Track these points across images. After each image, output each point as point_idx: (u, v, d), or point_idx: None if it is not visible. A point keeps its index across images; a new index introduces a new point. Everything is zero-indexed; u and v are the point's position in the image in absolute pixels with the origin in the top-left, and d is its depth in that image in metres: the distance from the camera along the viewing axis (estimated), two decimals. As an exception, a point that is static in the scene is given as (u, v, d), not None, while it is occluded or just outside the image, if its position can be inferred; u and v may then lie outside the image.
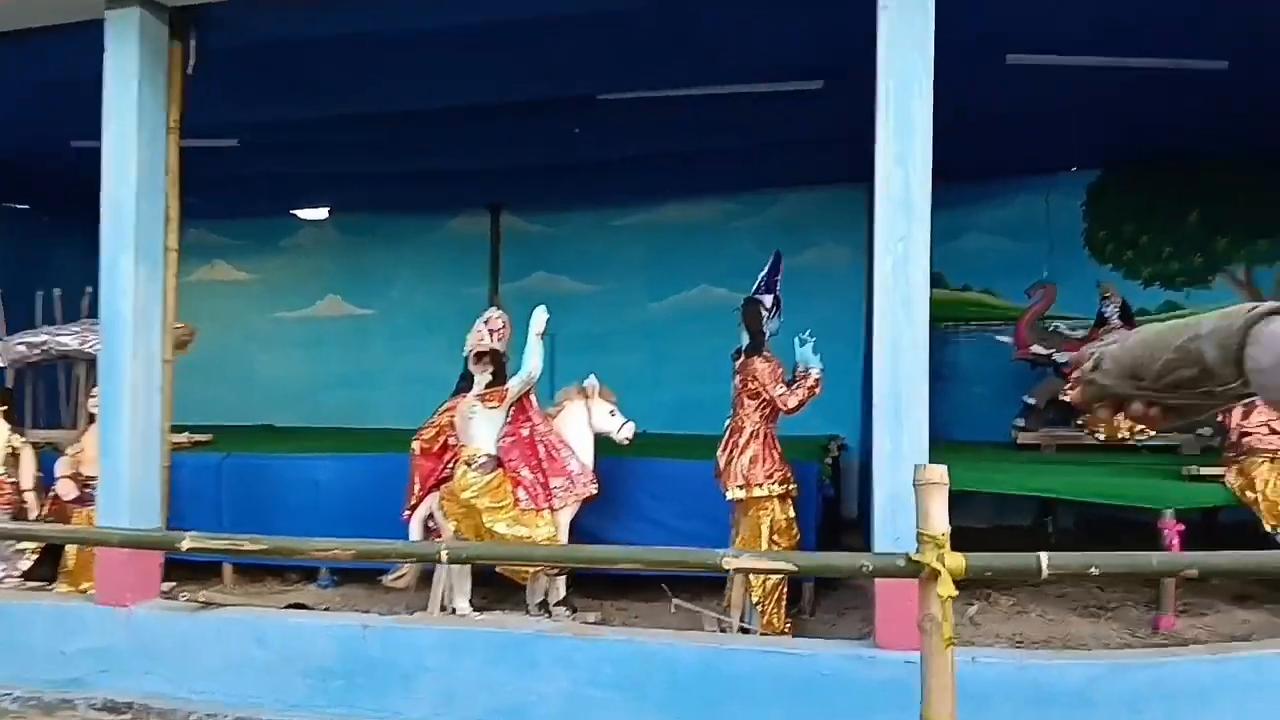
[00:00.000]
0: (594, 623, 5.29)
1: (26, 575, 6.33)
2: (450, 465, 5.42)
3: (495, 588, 5.77)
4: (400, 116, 7.54)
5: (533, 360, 5.27)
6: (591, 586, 5.89)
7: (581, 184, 9.21)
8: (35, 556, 6.39)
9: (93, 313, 7.93)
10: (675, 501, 5.70)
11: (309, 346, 10.28)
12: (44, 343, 7.21)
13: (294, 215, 10.36)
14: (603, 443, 5.56)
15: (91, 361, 7.34)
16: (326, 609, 5.74)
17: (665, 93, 6.76)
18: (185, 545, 3.66)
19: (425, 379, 10.01)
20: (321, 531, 6.32)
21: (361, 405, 10.04)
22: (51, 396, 7.66)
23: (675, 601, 5.07)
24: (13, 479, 6.33)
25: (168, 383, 5.50)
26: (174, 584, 5.88)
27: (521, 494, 5.19)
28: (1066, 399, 5.31)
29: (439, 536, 5.57)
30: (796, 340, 4.96)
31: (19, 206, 10.25)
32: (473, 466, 5.27)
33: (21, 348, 7.31)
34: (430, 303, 10.07)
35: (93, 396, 6.12)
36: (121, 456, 5.18)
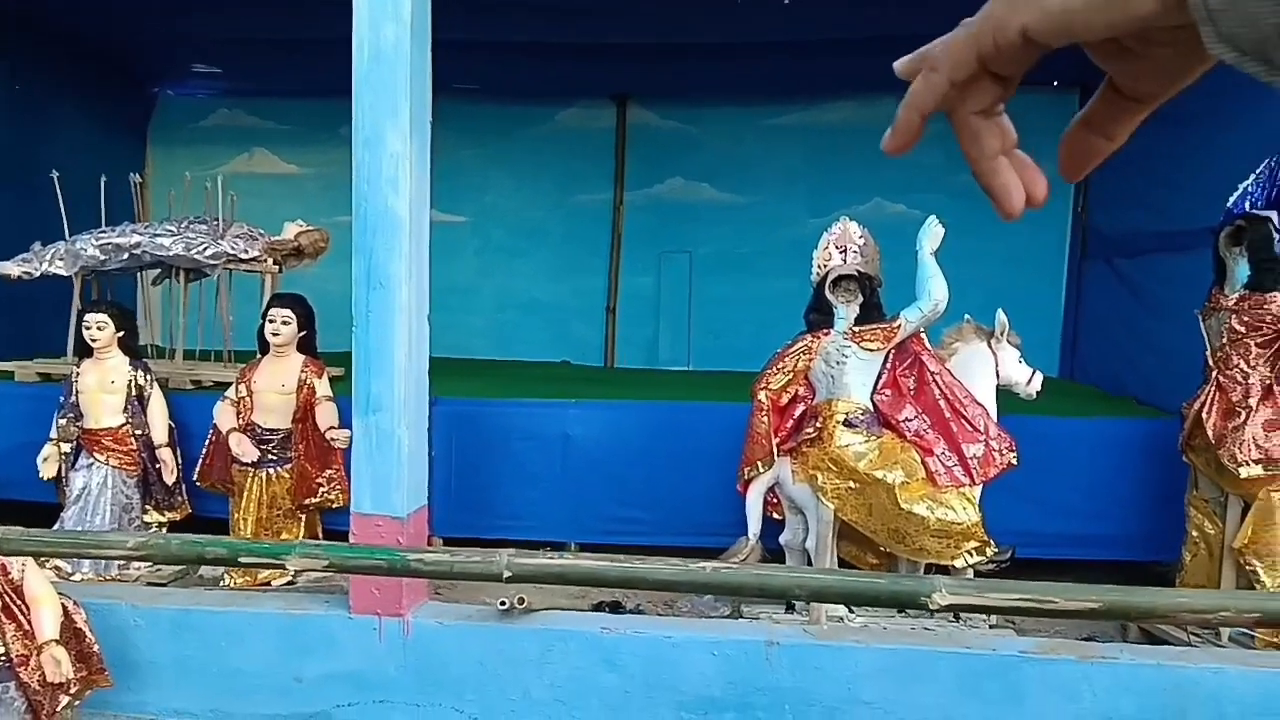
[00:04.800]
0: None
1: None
2: (811, 423, 4.11)
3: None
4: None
5: (937, 287, 3.98)
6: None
7: (730, 72, 7.74)
8: (163, 534, 4.80)
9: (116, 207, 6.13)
10: (1066, 473, 4.55)
11: (379, 258, 8.55)
12: (136, 245, 5.41)
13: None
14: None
15: (192, 270, 5.63)
16: (639, 610, 4.41)
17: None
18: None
19: (526, 303, 8.56)
20: (574, 499, 4.97)
21: (446, 331, 8.37)
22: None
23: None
24: (139, 430, 4.66)
25: (427, 308, 4.00)
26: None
27: (934, 464, 3.95)
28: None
29: (780, 513, 4.31)
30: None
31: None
32: (855, 427, 4.00)
33: (94, 252, 5.49)
34: (534, 211, 8.46)
35: (270, 322, 4.51)
36: (393, 410, 3.68)
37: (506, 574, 1.73)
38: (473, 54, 7.33)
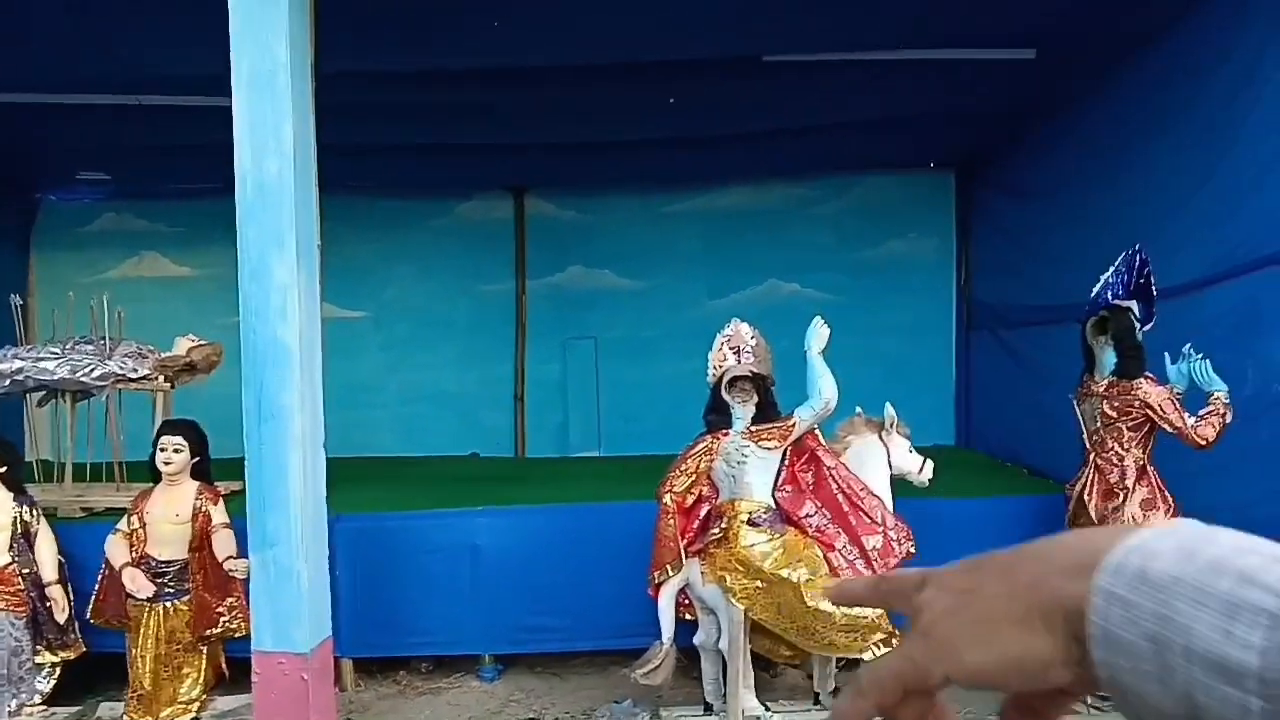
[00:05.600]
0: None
1: (50, 700, 4.55)
2: (717, 523, 4.18)
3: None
4: (428, 76, 6.12)
5: (827, 386, 4.11)
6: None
7: (624, 164, 7.93)
8: (57, 673, 4.61)
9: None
10: (965, 553, 4.67)
11: (280, 358, 8.39)
12: (18, 371, 5.23)
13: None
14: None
15: (80, 393, 5.47)
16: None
17: (844, 55, 5.70)
18: None
19: (432, 395, 8.50)
20: (486, 609, 4.91)
21: (351, 430, 8.23)
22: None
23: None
24: (27, 569, 4.47)
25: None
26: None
27: (836, 559, 4.05)
28: None
29: (692, 614, 4.34)
30: (1183, 356, 4.06)
31: None
32: (759, 526, 4.08)
33: (-26, 378, 5.29)
34: (436, 303, 8.45)
35: (162, 450, 4.39)
36: (291, 544, 3.61)
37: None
38: (367, 154, 7.37)
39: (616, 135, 7.24)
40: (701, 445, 4.28)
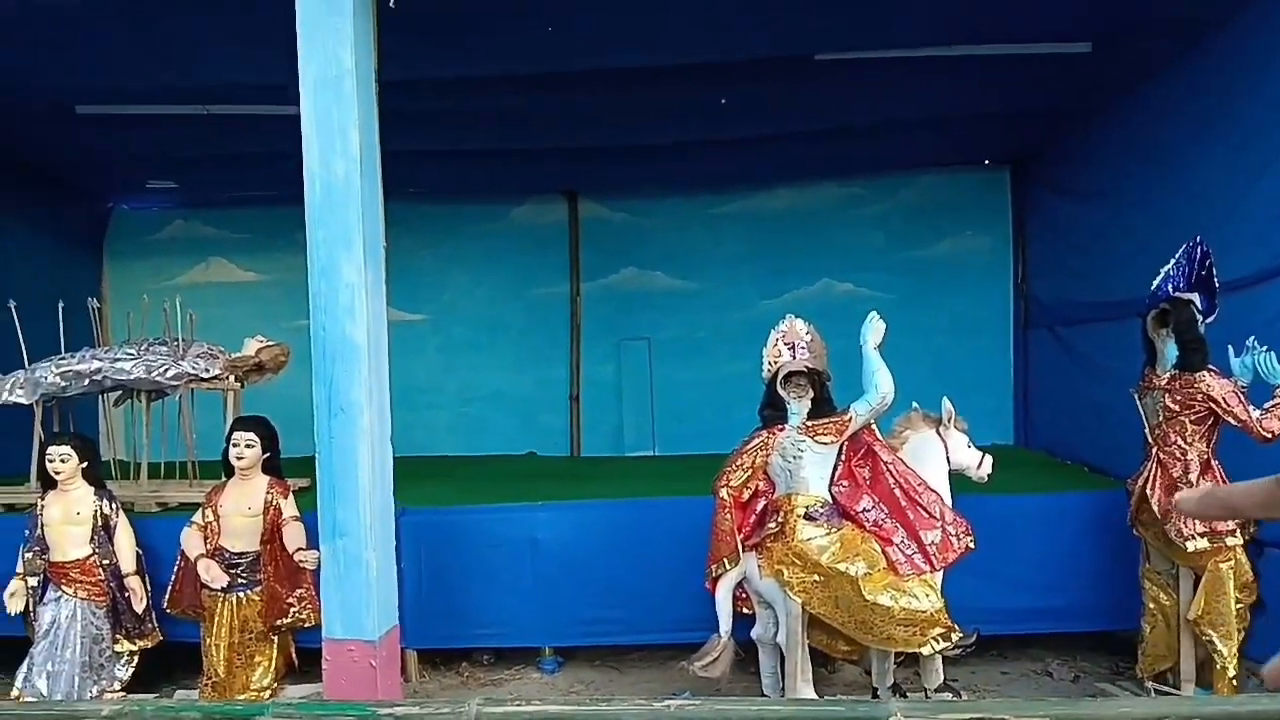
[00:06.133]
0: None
1: (129, 687, 4.72)
2: (773, 518, 4.21)
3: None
4: (482, 82, 6.21)
5: (883, 380, 4.12)
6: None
7: (675, 166, 8.00)
8: (135, 661, 4.78)
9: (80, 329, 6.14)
10: (1024, 550, 4.68)
11: (342, 360, 8.57)
12: (97, 371, 5.45)
13: (310, 201, 8.59)
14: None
15: (154, 392, 5.67)
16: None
17: (898, 53, 5.71)
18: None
19: (490, 396, 8.64)
20: (546, 602, 5.00)
21: (411, 430, 8.40)
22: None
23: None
24: (107, 560, 4.66)
25: (390, 428, 4.08)
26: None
27: (894, 554, 4.05)
28: None
29: (750, 608, 4.38)
30: (1247, 349, 4.01)
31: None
32: (815, 520, 4.11)
33: (55, 379, 5.51)
34: (493, 306, 8.61)
35: (234, 445, 4.55)
36: (359, 534, 3.73)
37: (478, 723, 1.82)
38: (425, 160, 7.52)
39: (669, 137, 7.31)
40: (758, 440, 4.32)
